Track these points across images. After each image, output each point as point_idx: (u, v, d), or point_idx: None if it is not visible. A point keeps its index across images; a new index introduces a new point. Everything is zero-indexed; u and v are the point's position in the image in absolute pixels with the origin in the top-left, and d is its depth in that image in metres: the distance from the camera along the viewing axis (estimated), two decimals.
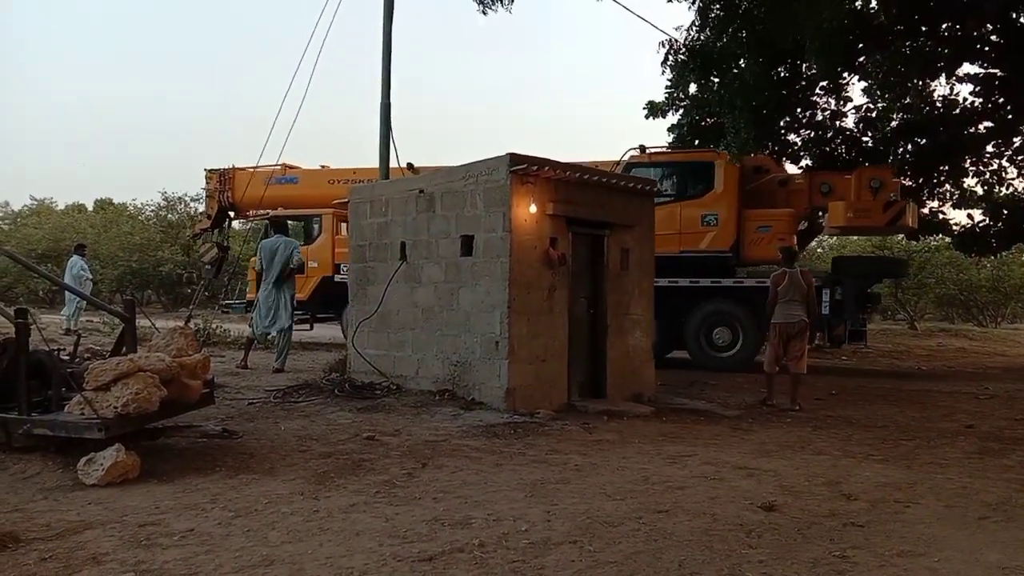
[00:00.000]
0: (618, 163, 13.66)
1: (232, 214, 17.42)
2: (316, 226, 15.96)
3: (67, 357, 5.89)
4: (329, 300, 15.34)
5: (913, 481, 5.63)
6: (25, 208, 41.18)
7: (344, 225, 14.91)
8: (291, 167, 16.58)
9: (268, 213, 15.17)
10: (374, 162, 12.29)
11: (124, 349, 5.92)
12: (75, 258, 16.23)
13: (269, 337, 11.73)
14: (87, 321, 16.32)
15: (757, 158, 13.87)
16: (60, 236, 31.42)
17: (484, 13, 13.03)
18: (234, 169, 16.71)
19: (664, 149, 14.67)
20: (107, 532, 4.00)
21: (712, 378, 11.56)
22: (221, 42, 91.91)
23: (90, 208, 41.84)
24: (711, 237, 13.27)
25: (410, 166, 14.07)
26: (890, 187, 12.90)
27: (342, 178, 15.78)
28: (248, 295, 15.70)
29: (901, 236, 20.28)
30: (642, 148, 13.92)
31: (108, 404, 5.01)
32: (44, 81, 77.81)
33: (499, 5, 12.88)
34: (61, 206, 42.25)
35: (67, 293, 15.31)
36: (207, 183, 17.27)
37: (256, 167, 15.34)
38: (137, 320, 6.26)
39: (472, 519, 4.38)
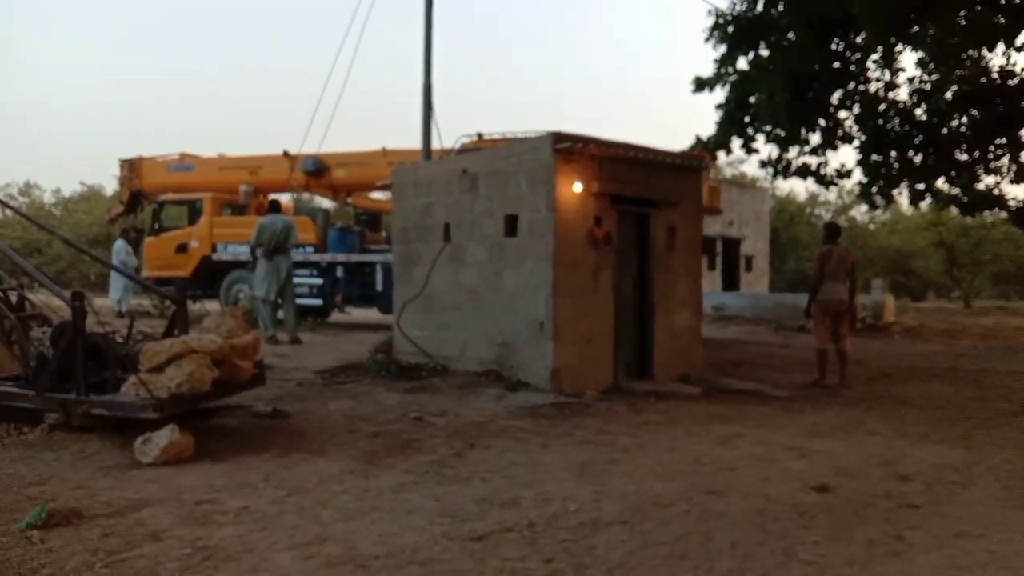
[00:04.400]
0: (453, 149, 13.79)
1: (144, 200, 18.47)
2: (198, 209, 16.69)
3: (122, 339, 6.00)
4: (208, 277, 16.02)
5: (970, 462, 5.51)
6: (75, 194, 42.12)
7: (231, 208, 16.62)
8: (189, 156, 17.69)
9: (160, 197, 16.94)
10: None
11: (176, 331, 6.02)
12: (120, 242, 16.54)
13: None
14: (136, 304, 16.67)
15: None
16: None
17: None
18: (141, 158, 17.92)
19: (498, 136, 14.30)
20: (165, 509, 4.08)
21: (762, 358, 11.41)
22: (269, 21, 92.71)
23: None
24: None
25: (285, 153, 16.00)
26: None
27: (233, 165, 17.08)
28: (145, 272, 16.65)
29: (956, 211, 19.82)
30: (480, 135, 14.00)
31: (162, 385, 5.10)
32: (97, 70, 79.28)
33: None
34: (110, 192, 43.16)
35: (112, 277, 15.72)
36: (120, 171, 18.35)
37: (158, 156, 17.47)
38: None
39: (521, 499, 4.39)
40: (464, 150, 13.95)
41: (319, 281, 15.08)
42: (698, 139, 13.61)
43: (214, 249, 16.14)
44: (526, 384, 8.01)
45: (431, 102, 12.48)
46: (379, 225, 17.39)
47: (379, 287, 14.51)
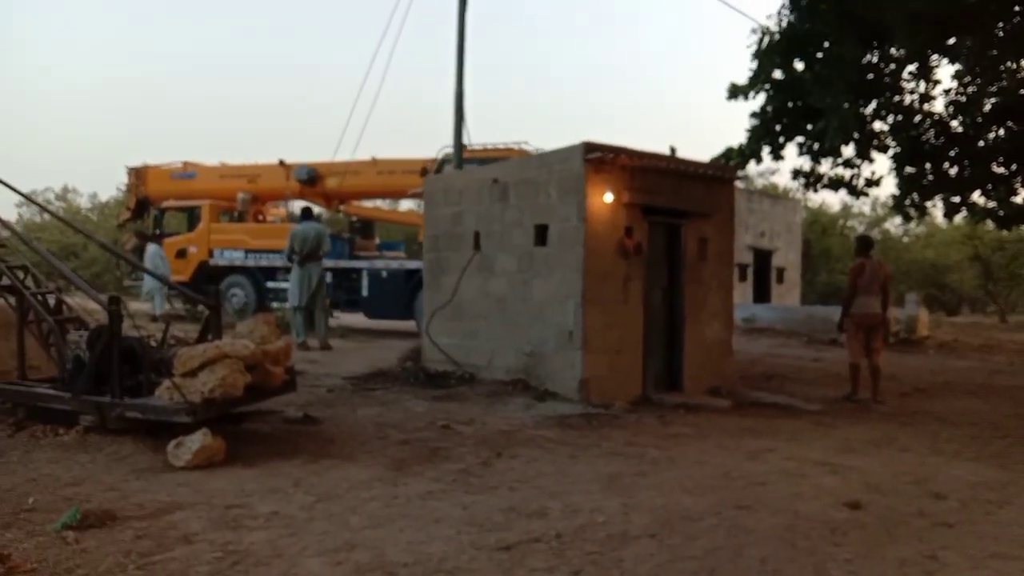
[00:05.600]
0: (435, 160, 14.97)
1: (150, 206, 19.04)
2: (197, 215, 17.29)
3: (156, 344, 6.09)
4: (205, 281, 16.25)
5: (1006, 481, 5.41)
6: (111, 198, 42.75)
7: (230, 215, 17.43)
8: (192, 164, 18.38)
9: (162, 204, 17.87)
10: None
11: (210, 336, 6.10)
12: (154, 247, 16.83)
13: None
14: (169, 308, 16.92)
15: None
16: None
17: None
18: (147, 166, 18.58)
19: (478, 147, 15.03)
20: (196, 513, 4.13)
21: (793, 372, 11.30)
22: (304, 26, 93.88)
23: None
24: None
25: (281, 162, 16.81)
26: None
27: (233, 173, 17.80)
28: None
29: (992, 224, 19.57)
30: (464, 146, 14.44)
31: (195, 389, 5.17)
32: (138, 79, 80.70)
33: None
34: None
35: (145, 281, 16.09)
36: (127, 179, 19.08)
37: (163, 164, 18.22)
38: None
39: (548, 509, 4.38)
40: (448, 159, 14.65)
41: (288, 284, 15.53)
42: (730, 149, 13.49)
43: (211, 254, 16.77)
44: (554, 394, 8.00)
45: (463, 109, 12.56)
46: (372, 232, 17.87)
47: (364, 292, 14.97)
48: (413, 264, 14.93)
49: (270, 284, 16.16)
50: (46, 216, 32.41)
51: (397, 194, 18.52)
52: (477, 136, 19.93)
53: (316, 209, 17.43)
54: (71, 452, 5.32)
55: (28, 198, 9.74)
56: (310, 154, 17.70)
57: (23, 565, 3.35)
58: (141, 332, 5.95)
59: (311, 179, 16.54)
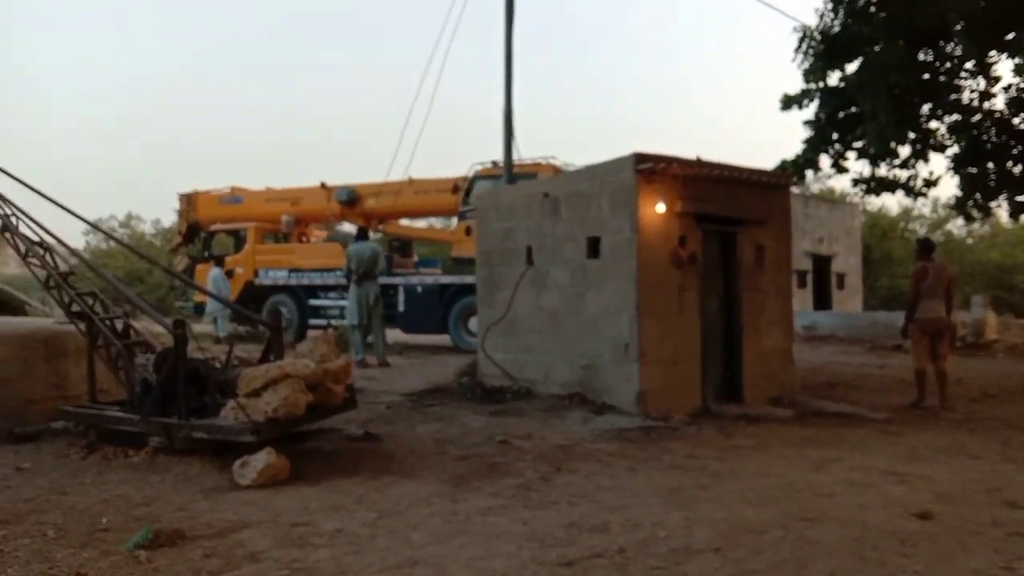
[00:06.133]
0: (467, 177, 15.45)
1: (201, 230, 19.77)
2: (243, 238, 18.11)
3: (220, 365, 6.23)
4: (251, 300, 16.94)
5: None
6: (173, 224, 43.84)
7: (274, 237, 18.36)
8: (239, 189, 19.25)
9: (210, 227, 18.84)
10: None
11: (272, 356, 6.22)
12: (217, 271, 17.25)
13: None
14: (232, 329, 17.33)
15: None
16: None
17: None
18: (196, 192, 19.44)
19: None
20: (262, 531, 4.21)
21: (857, 379, 11.06)
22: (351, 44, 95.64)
23: None
24: None
25: (323, 185, 17.46)
26: None
27: (277, 197, 18.59)
28: (195, 298, 18.20)
29: None
30: (494, 163, 14.99)
31: (259, 409, 5.28)
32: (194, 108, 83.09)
33: None
34: None
35: (208, 304, 16.57)
36: (179, 205, 19.83)
37: (212, 190, 19.19)
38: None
39: (609, 524, 4.35)
40: (478, 177, 15.25)
41: (346, 303, 15.84)
42: (784, 161, 13.27)
43: (256, 275, 17.45)
44: (611, 407, 7.95)
45: (512, 126, 12.64)
46: (410, 251, 18.31)
47: (401, 308, 15.36)
48: (446, 279, 15.36)
49: (312, 302, 16.66)
50: (112, 243, 33.41)
51: (432, 212, 19.00)
52: (526, 151, 20.13)
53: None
54: (141, 473, 5.47)
55: (94, 226, 10.06)
56: (362, 173, 17.99)
57: None
58: (205, 354, 6.11)
59: (351, 200, 17.07)
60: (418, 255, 18.98)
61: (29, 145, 66.76)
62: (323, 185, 17.62)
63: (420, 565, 3.72)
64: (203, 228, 19.29)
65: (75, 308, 6.57)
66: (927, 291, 8.84)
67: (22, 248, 6.86)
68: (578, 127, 79.89)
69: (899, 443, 6.84)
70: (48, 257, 6.87)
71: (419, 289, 15.25)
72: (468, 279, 14.46)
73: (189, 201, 19.51)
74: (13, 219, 6.97)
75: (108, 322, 6.52)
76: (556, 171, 14.10)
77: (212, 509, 4.64)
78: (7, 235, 6.98)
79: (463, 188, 15.56)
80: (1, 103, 72.34)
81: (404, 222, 18.27)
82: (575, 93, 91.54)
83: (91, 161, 73.22)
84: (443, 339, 15.92)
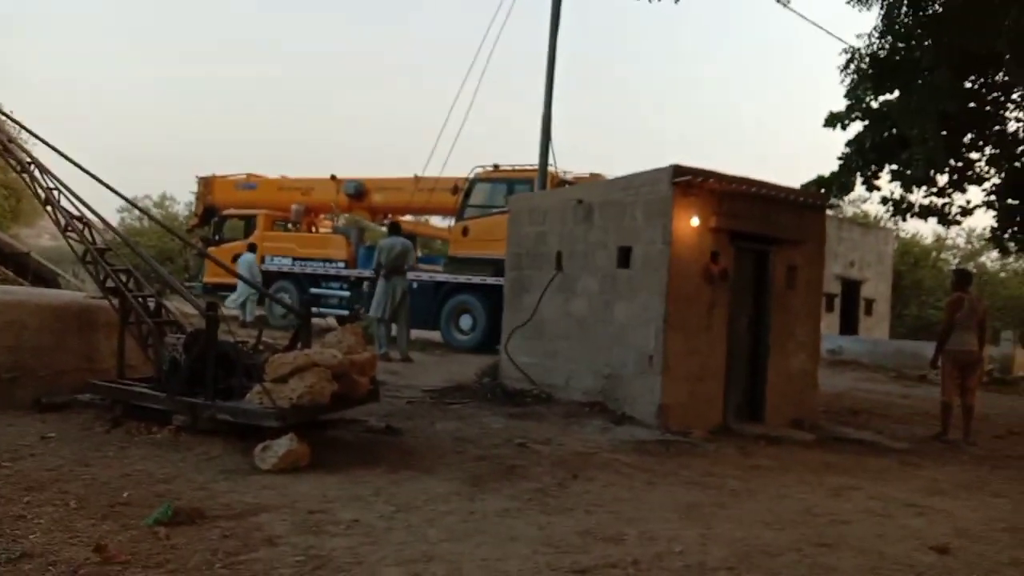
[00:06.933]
0: (467, 179, 15.64)
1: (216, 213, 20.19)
2: (253, 224, 18.61)
3: (249, 350, 6.29)
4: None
5: None
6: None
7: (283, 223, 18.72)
8: (255, 176, 19.87)
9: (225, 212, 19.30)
10: None
11: (300, 344, 6.27)
12: (248, 255, 17.41)
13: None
14: (259, 314, 17.50)
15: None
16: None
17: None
18: (214, 176, 20.15)
19: (507, 167, 15.71)
20: (280, 516, 4.24)
21: (880, 407, 10.94)
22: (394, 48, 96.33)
23: None
24: None
25: (333, 177, 17.89)
26: None
27: (289, 186, 19.15)
28: (203, 279, 18.56)
29: None
30: (496, 166, 15.43)
31: (285, 395, 5.33)
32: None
33: None
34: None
35: (238, 288, 16.74)
36: (197, 187, 20.65)
37: (229, 175, 19.94)
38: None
39: (625, 535, 4.34)
40: (477, 179, 15.58)
41: (347, 294, 16.40)
42: (820, 177, 13.15)
43: (263, 260, 17.69)
44: (631, 418, 7.92)
45: (550, 132, 12.66)
46: (414, 247, 18.25)
47: None
48: (441, 277, 15.51)
49: (313, 290, 16.83)
50: (145, 222, 33.82)
51: (436, 211, 19.09)
52: (562, 159, 20.18)
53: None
54: (163, 450, 5.52)
55: (131, 202, 10.22)
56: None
57: (118, 556, 3.50)
58: (234, 337, 6.17)
59: (359, 193, 17.44)
60: (430, 252, 19.21)
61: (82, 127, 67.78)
62: (333, 177, 18.02)
63: (435, 561, 3.73)
64: (218, 211, 19.74)
65: (109, 284, 6.67)
66: (961, 323, 8.73)
67: (62, 222, 6.97)
68: (613, 139, 79.85)
69: (920, 475, 6.76)
70: (87, 232, 6.98)
71: (415, 285, 15.32)
72: (461, 278, 14.88)
73: (207, 184, 20.10)
74: (55, 192, 7.09)
75: (141, 300, 6.61)
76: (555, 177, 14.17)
77: (232, 491, 4.68)
78: (48, 208, 7.10)
79: (463, 189, 15.67)
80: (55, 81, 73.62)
81: (411, 218, 18.50)
82: (613, 105, 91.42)
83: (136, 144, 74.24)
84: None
